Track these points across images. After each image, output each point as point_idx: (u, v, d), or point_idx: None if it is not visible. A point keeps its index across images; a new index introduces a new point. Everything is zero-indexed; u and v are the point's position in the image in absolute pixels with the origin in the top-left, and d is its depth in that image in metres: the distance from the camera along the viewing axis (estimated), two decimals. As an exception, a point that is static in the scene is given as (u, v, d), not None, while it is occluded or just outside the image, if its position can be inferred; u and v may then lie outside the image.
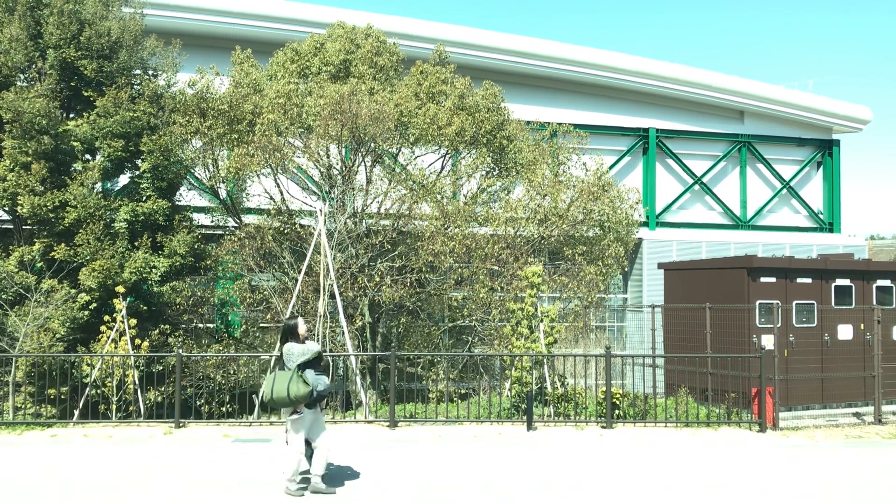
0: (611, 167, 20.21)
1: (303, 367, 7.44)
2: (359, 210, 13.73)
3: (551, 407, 11.96)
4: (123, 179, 14.15)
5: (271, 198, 14.17)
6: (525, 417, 11.09)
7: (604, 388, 11.45)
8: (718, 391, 12.13)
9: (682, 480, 8.28)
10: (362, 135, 13.12)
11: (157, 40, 13.80)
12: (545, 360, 12.31)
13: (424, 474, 8.38)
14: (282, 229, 13.79)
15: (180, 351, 11.17)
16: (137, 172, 13.12)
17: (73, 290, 11.74)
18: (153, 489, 7.68)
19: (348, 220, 13.41)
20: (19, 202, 11.83)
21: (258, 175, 13.91)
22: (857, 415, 12.77)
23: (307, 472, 7.90)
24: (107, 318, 11.62)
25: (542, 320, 12.47)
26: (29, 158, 11.98)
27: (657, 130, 22.15)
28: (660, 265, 15.93)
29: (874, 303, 13.54)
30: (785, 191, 23.58)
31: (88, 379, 11.28)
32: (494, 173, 15.41)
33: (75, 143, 12.47)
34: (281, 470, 7.69)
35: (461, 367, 14.51)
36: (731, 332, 12.67)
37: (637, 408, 12.00)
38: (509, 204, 15.01)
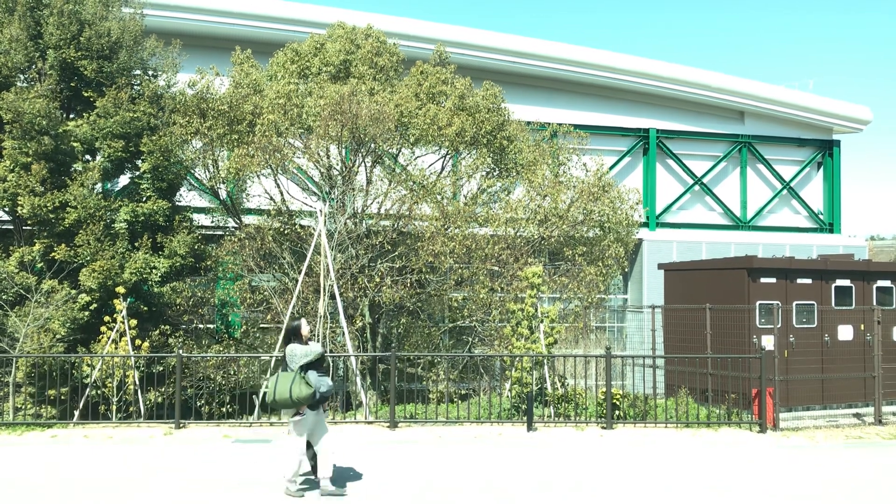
0: (611, 168, 20.21)
1: (305, 368, 7.44)
2: (359, 210, 13.73)
3: (551, 407, 11.96)
4: (123, 180, 14.16)
5: (271, 198, 14.18)
6: (525, 418, 11.09)
7: (604, 389, 11.45)
8: (719, 392, 12.13)
9: (683, 481, 8.28)
10: (362, 135, 13.12)
11: (157, 41, 13.80)
12: (545, 361, 12.31)
13: (425, 475, 8.38)
14: (282, 230, 13.79)
15: (180, 351, 11.17)
16: (137, 173, 13.12)
17: (73, 291, 11.75)
18: (153, 489, 7.68)
19: (348, 221, 13.41)
20: (19, 203, 11.83)
21: (258, 175, 13.91)
22: (857, 415, 12.77)
23: (308, 473, 7.92)
24: (107, 318, 11.63)
25: (542, 321, 12.47)
26: (29, 159, 11.98)
27: (657, 131, 22.15)
28: (660, 266, 15.93)
29: (874, 303, 13.54)
30: (785, 191, 23.58)
31: (89, 379, 11.28)
32: (494, 174, 15.42)
33: (75, 144, 12.47)
34: (282, 471, 7.69)
35: (461, 368, 14.51)
36: (732, 332, 12.67)
37: (637, 408, 12.00)
38: (509, 204, 15.01)
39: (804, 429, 11.58)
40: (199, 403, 12.26)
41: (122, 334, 11.56)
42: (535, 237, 14.82)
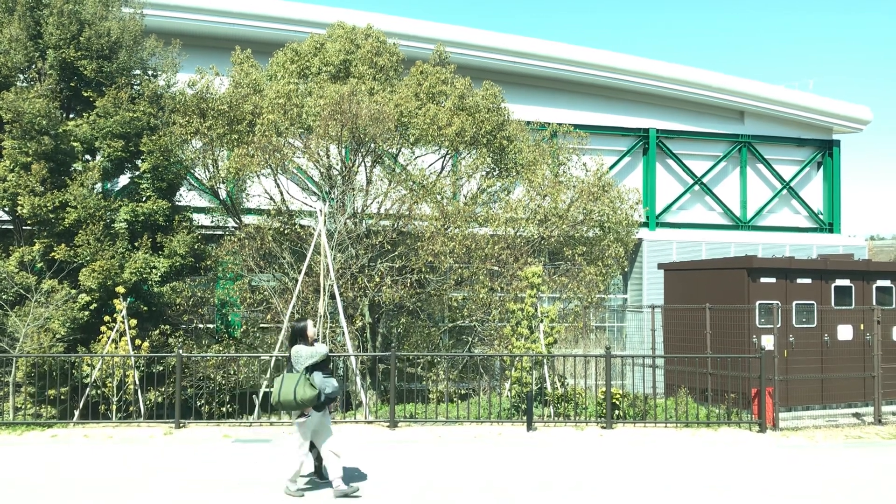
0: (611, 167, 20.21)
1: (311, 369, 7.43)
2: (359, 210, 13.74)
3: (551, 407, 11.96)
4: (123, 180, 14.16)
5: (271, 198, 14.18)
6: (525, 418, 11.09)
7: (604, 389, 11.45)
8: (718, 391, 12.13)
9: (682, 481, 8.28)
10: (362, 135, 13.12)
11: (156, 40, 13.80)
12: (545, 361, 12.31)
13: (425, 475, 8.38)
14: (282, 230, 13.79)
15: (180, 351, 11.17)
16: (137, 173, 13.13)
17: (73, 291, 11.75)
18: (153, 489, 7.68)
19: (348, 221, 13.42)
20: (19, 202, 11.84)
21: (258, 175, 13.91)
22: (856, 415, 12.77)
23: (311, 474, 7.92)
24: (107, 318, 11.63)
25: (541, 321, 12.48)
26: (29, 159, 11.98)
27: (657, 131, 22.15)
28: (660, 265, 15.93)
29: (874, 303, 13.55)
30: (785, 191, 23.59)
31: (89, 379, 11.28)
32: (494, 174, 15.42)
33: (75, 144, 12.47)
34: (283, 471, 7.69)
35: (461, 368, 14.51)
36: (731, 332, 12.67)
37: (637, 408, 12.01)
38: (509, 204, 15.01)
39: (804, 428, 11.59)
40: (199, 403, 12.26)
41: (122, 334, 11.56)
42: (535, 237, 14.83)
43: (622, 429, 11.05)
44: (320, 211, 12.32)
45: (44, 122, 11.99)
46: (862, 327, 13.33)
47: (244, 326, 14.15)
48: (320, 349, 7.56)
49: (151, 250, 12.49)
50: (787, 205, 23.83)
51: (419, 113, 13.98)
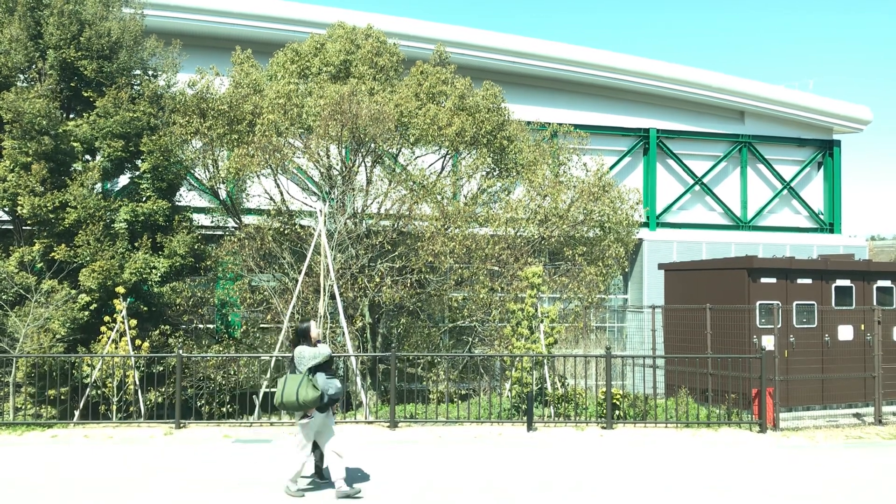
0: (611, 168, 20.20)
1: (314, 370, 7.42)
2: (359, 210, 13.73)
3: (551, 407, 11.96)
4: (123, 180, 14.16)
5: (271, 198, 14.18)
6: (525, 418, 11.09)
7: (604, 389, 11.44)
8: (719, 392, 12.13)
9: (683, 481, 8.28)
10: (362, 135, 13.12)
11: (157, 41, 13.80)
12: (545, 361, 12.31)
13: (425, 475, 8.38)
14: (282, 230, 13.79)
15: (181, 351, 11.17)
16: (137, 173, 13.12)
17: (73, 291, 11.75)
18: (153, 489, 7.67)
19: (348, 221, 13.41)
20: (19, 202, 11.84)
21: (258, 175, 13.91)
22: (857, 415, 12.76)
23: (313, 475, 7.91)
24: (107, 318, 11.63)
25: (542, 321, 12.47)
26: (29, 159, 11.98)
27: (657, 131, 22.15)
28: (660, 266, 15.93)
29: (874, 303, 13.54)
30: (785, 191, 23.58)
31: (89, 379, 11.28)
32: (495, 174, 15.42)
33: (75, 144, 12.47)
34: (284, 471, 7.68)
35: (461, 368, 14.51)
36: (732, 332, 12.67)
37: (637, 408, 12.00)
38: (509, 204, 15.01)
39: (804, 429, 11.58)
40: (199, 403, 12.26)
41: (122, 334, 11.56)
42: (536, 237, 14.82)
43: (622, 429, 11.04)
44: (320, 211, 12.32)
45: (44, 122, 11.99)
46: (862, 327, 13.32)
47: (244, 327, 14.15)
48: (323, 350, 7.55)
49: (151, 250, 12.49)
50: (787, 205, 23.82)
51: (419, 113, 13.98)
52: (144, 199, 12.86)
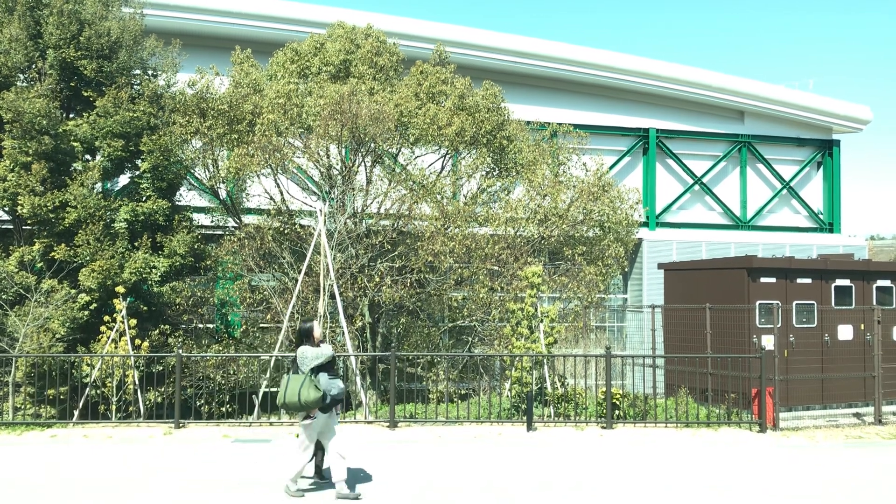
0: (611, 167, 20.21)
1: (316, 370, 7.41)
2: (359, 210, 13.73)
3: (551, 407, 11.96)
4: (123, 179, 14.16)
5: (271, 198, 14.17)
6: (525, 418, 11.09)
7: (604, 389, 11.44)
8: (718, 391, 12.12)
9: (683, 481, 8.28)
10: (362, 135, 13.11)
11: (156, 40, 13.79)
12: (545, 361, 12.31)
13: (425, 475, 8.38)
14: (282, 229, 13.78)
15: (180, 351, 11.17)
16: (137, 172, 13.12)
17: (73, 291, 11.74)
18: (153, 489, 7.67)
19: (348, 221, 13.41)
20: (19, 202, 11.83)
21: (258, 175, 13.91)
22: (857, 415, 12.76)
23: (314, 476, 7.91)
24: (107, 318, 11.62)
25: (542, 320, 12.47)
26: (29, 158, 11.97)
27: (657, 130, 22.15)
28: (660, 265, 15.93)
29: (874, 303, 13.54)
30: (785, 191, 23.58)
31: (88, 379, 11.27)
32: (494, 173, 15.41)
33: (75, 143, 12.47)
34: (284, 471, 7.67)
35: (461, 368, 14.50)
36: (731, 332, 12.67)
37: (637, 408, 12.00)
38: (509, 204, 15.01)
39: (804, 428, 11.58)
40: (198, 403, 12.25)
41: (122, 334, 11.56)
42: (535, 237, 14.82)
43: (622, 429, 11.04)
44: (320, 211, 12.32)
45: (44, 122, 11.98)
46: (862, 327, 13.33)
47: (244, 326, 14.14)
48: (326, 350, 7.54)
49: (151, 250, 12.49)
50: (787, 205, 23.82)
51: (419, 113, 13.98)
52: (144, 198, 12.86)
